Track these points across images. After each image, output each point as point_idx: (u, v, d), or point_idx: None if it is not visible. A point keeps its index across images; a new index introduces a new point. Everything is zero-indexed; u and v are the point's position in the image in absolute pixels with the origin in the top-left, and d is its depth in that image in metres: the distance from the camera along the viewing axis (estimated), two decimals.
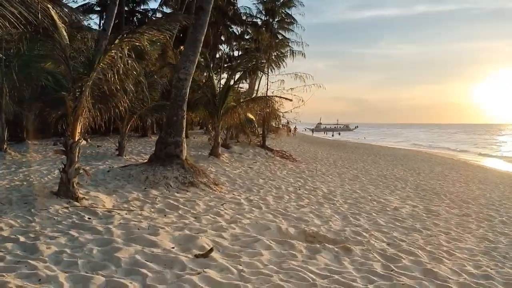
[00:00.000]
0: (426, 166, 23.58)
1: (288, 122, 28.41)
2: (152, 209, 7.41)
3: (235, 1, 34.72)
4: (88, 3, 31.18)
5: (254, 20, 33.28)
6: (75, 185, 7.21)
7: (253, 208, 8.29)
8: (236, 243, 5.69)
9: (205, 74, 21.69)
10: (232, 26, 35.74)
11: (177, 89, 10.80)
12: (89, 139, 19.61)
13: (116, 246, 4.98)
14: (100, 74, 7.48)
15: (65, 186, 7.12)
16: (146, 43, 7.65)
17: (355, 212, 8.97)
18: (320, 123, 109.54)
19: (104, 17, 20.73)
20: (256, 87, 30.74)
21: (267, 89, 23.05)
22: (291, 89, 21.79)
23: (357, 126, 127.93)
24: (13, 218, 5.89)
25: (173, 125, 10.71)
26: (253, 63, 19.00)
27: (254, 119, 20.22)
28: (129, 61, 7.68)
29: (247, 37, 36.72)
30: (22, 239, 5.04)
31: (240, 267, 4.73)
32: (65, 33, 7.32)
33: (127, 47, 7.48)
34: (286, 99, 18.35)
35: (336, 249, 5.82)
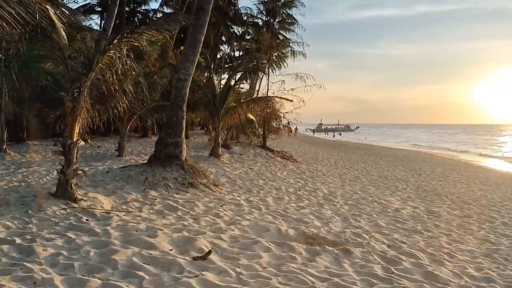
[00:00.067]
0: (427, 166, 23.50)
1: (288, 123, 28.36)
2: (151, 211, 7.36)
3: (236, 2, 34.69)
4: (89, 3, 31.22)
5: (255, 20, 33.25)
6: (73, 186, 7.16)
7: (252, 209, 8.24)
8: (235, 245, 5.63)
9: (206, 74, 21.66)
10: (233, 27, 35.72)
11: (177, 89, 10.75)
12: (89, 140, 19.58)
13: (113, 248, 4.93)
14: (99, 74, 7.43)
15: (63, 187, 7.07)
16: (145, 43, 7.60)
17: (355, 214, 8.91)
18: (321, 124, 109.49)
19: (105, 17, 20.69)
20: (257, 88, 30.71)
21: (268, 90, 22.99)
22: (292, 89, 21.72)
23: (358, 127, 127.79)
24: (10, 220, 5.84)
25: (173, 125, 10.67)
26: (254, 63, 18.95)
27: (254, 119, 20.17)
28: (128, 62, 7.63)
29: (248, 37, 36.69)
30: (18, 241, 4.99)
31: (239, 270, 4.68)
32: (63, 33, 7.28)
33: (126, 48, 7.43)
34: (287, 99, 18.31)
35: (336, 251, 5.77)
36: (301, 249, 5.72)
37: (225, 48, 39.02)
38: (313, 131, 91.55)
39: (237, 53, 39.99)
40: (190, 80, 11.00)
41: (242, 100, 18.10)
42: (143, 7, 34.31)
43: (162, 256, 4.86)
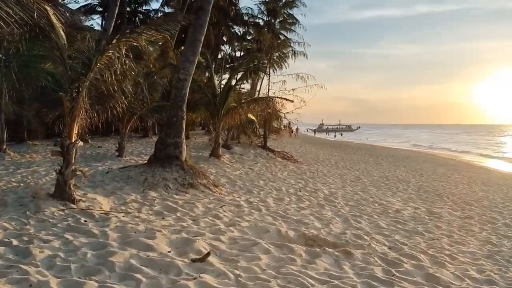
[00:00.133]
0: (428, 167, 23.42)
1: (289, 123, 28.30)
2: (150, 212, 7.31)
3: (236, 2, 34.66)
4: (90, 3, 31.25)
5: (256, 20, 33.26)
6: (71, 187, 7.11)
7: (252, 211, 8.18)
8: (234, 247, 5.58)
9: (206, 74, 21.61)
10: (234, 27, 35.69)
11: (177, 89, 10.70)
12: (89, 140, 19.56)
13: (111, 250, 4.88)
14: (98, 74, 7.39)
15: (61, 188, 7.02)
16: (144, 43, 7.55)
17: (356, 215, 8.85)
18: (322, 124, 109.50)
19: (105, 17, 20.68)
20: (258, 88, 30.67)
21: (269, 90, 22.94)
22: (293, 89, 21.66)
23: (359, 127, 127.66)
24: (7, 221, 5.79)
25: (173, 125, 10.62)
26: (255, 63, 18.91)
27: (255, 119, 20.12)
28: (127, 62, 7.58)
29: (249, 37, 36.67)
30: (15, 242, 4.94)
31: (237, 272, 4.62)
32: (62, 33, 7.23)
33: (125, 48, 7.37)
34: (288, 100, 18.24)
35: (336, 253, 5.71)
36: (301, 250, 5.67)
37: (226, 48, 39.04)
38: (314, 131, 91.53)
39: (238, 53, 40.00)
40: (190, 80, 10.95)
41: (242, 100, 18.05)
42: (144, 7, 34.37)
43: (160, 258, 4.80)
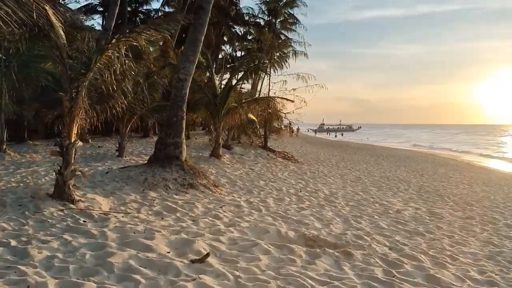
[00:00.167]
0: (429, 167, 23.37)
1: (290, 123, 28.27)
2: (150, 212, 7.29)
3: (237, 1, 34.64)
4: (91, 3, 31.25)
5: (257, 20, 33.23)
6: (71, 187, 7.08)
7: (252, 211, 8.16)
8: (233, 248, 5.55)
9: (207, 74, 21.61)
10: (235, 27, 35.68)
11: (177, 89, 10.68)
12: (90, 140, 19.54)
13: (110, 251, 4.85)
14: (97, 74, 7.36)
15: (60, 188, 6.99)
16: (143, 42, 7.52)
17: (356, 215, 8.82)
18: (323, 124, 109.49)
19: (106, 17, 20.65)
20: (258, 88, 30.65)
21: (269, 90, 22.91)
22: (293, 89, 21.62)
23: (360, 127, 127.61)
24: (6, 221, 5.77)
25: (173, 125, 10.59)
26: (255, 63, 18.86)
27: (255, 120, 20.09)
28: (127, 61, 7.55)
29: (249, 37, 36.65)
30: (13, 243, 4.92)
31: (237, 273, 4.59)
32: (62, 33, 7.20)
33: (124, 47, 7.34)
34: (288, 100, 18.21)
35: (337, 254, 5.68)
36: (301, 251, 5.64)
37: (226, 48, 39.03)
38: (315, 131, 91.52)
39: (238, 53, 40.00)
40: (190, 80, 10.92)
41: (243, 100, 18.01)
42: (145, 7, 34.36)
43: (159, 259, 4.77)
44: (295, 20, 29.66)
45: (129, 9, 30.28)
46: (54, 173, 7.68)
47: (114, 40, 7.23)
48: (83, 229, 5.70)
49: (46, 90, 11.59)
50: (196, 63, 11.08)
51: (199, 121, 29.90)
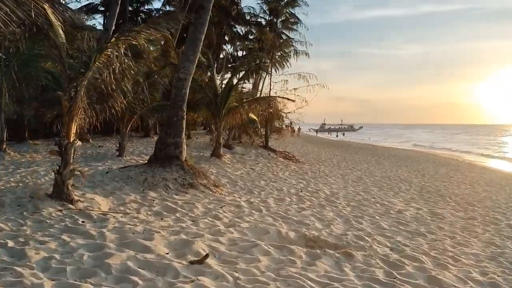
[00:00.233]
0: (430, 167, 23.30)
1: (291, 123, 28.24)
2: (149, 212, 7.24)
3: (238, 1, 34.56)
4: (92, 3, 31.19)
5: (258, 20, 33.17)
6: (70, 187, 7.04)
7: (253, 211, 8.10)
8: (233, 248, 5.49)
9: (208, 74, 21.58)
10: (236, 26, 35.60)
11: (177, 89, 10.63)
12: (90, 139, 19.51)
13: (108, 252, 4.80)
14: (96, 73, 7.31)
15: (59, 188, 6.95)
16: (143, 42, 7.47)
17: (357, 215, 8.76)
18: (325, 124, 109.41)
19: (107, 17, 20.64)
20: (259, 87, 30.61)
21: (270, 89, 22.88)
22: (295, 89, 21.62)
23: (362, 127, 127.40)
24: (4, 222, 5.73)
25: (173, 125, 10.55)
26: (257, 63, 18.84)
27: (256, 119, 20.05)
28: (126, 61, 7.50)
29: (251, 37, 36.59)
30: (10, 243, 4.87)
31: (236, 275, 4.54)
32: (61, 32, 7.15)
33: (124, 46, 7.29)
34: (289, 99, 18.18)
35: (337, 255, 5.62)
36: (301, 252, 5.58)
37: (228, 47, 38.97)
38: (316, 131, 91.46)
39: (240, 53, 39.93)
40: (191, 79, 10.88)
41: (244, 100, 17.97)
42: (146, 7, 34.30)
43: (158, 260, 4.72)
44: (297, 20, 29.65)
45: (130, 8, 30.23)
46: (53, 173, 7.64)
47: (113, 39, 7.19)
48: (82, 230, 5.65)
49: (46, 90, 11.55)
50: (196, 62, 11.03)
51: (200, 120, 29.87)
